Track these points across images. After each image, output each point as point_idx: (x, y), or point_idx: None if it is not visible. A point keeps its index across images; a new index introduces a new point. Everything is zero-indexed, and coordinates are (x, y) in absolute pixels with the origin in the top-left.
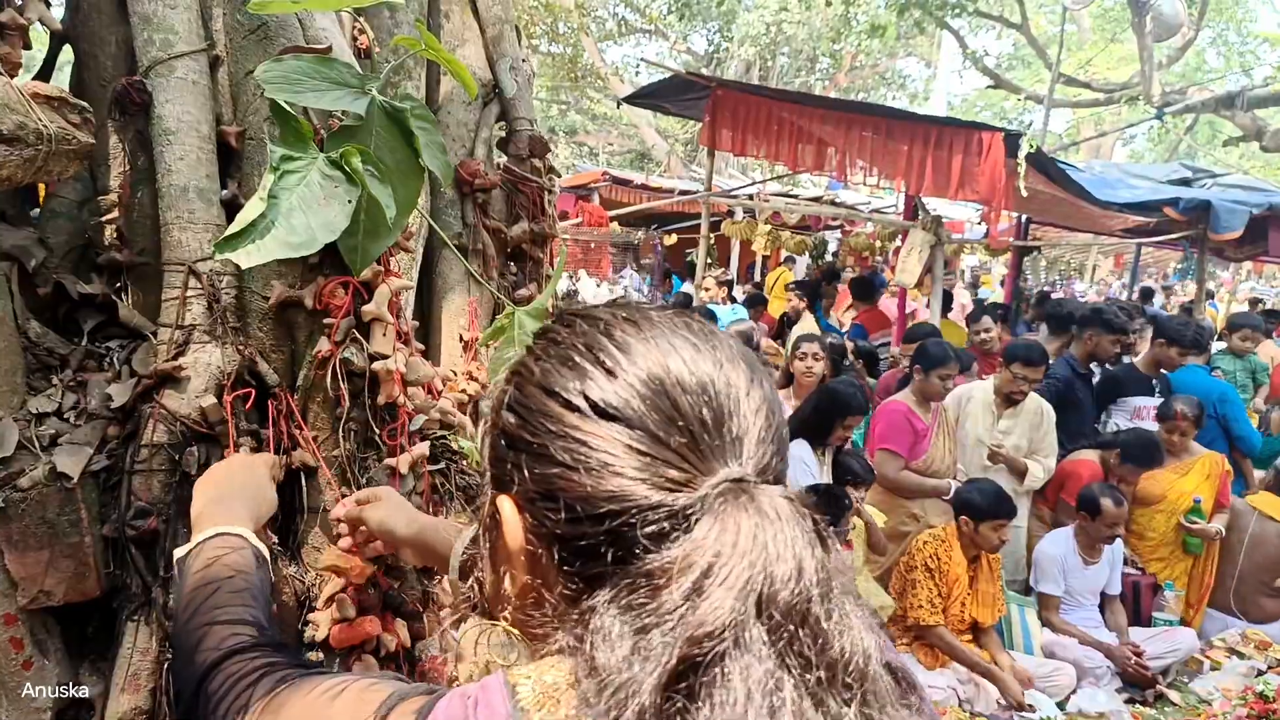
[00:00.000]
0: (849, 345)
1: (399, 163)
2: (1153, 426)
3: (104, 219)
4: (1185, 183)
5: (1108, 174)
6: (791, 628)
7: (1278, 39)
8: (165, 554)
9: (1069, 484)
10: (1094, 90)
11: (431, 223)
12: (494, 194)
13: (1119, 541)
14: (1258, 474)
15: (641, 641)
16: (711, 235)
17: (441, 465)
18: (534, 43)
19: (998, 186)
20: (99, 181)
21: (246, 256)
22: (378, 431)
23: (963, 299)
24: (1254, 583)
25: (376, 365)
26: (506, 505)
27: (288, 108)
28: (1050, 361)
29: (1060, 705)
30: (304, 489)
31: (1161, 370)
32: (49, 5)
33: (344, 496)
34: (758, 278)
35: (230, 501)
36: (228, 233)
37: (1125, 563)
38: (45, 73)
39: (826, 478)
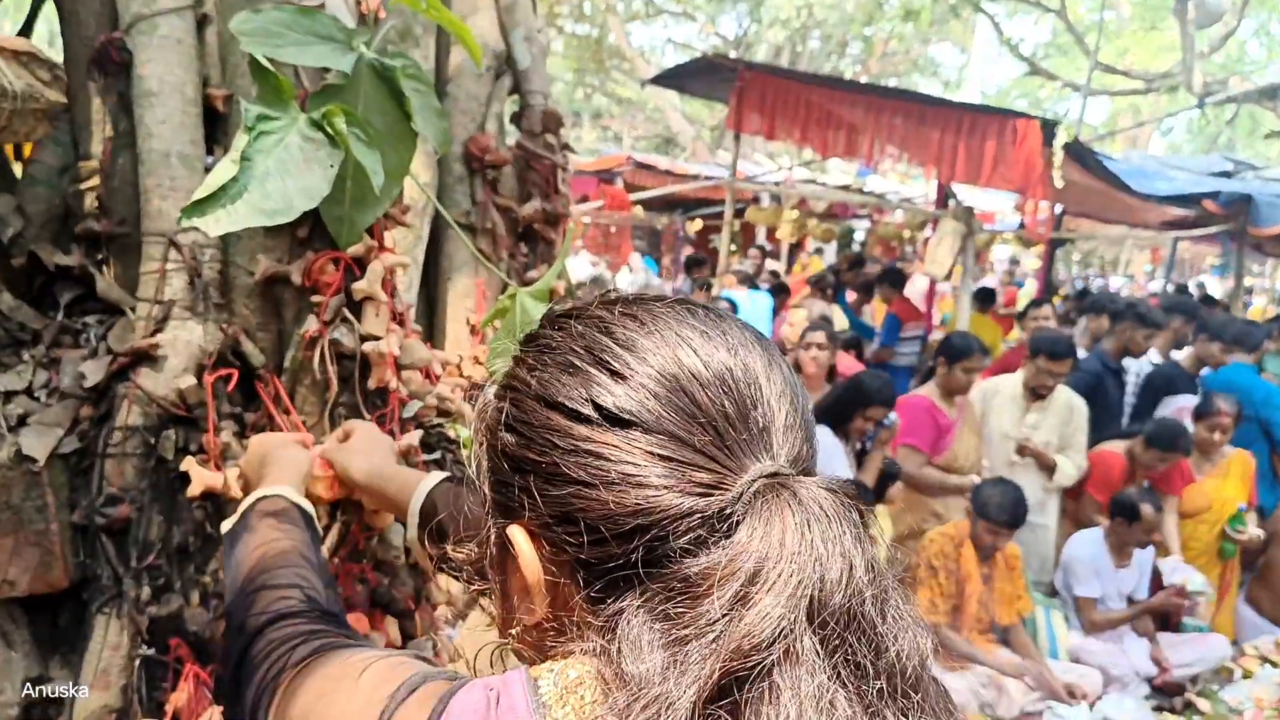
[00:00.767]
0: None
1: (389, 126)
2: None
3: (84, 186)
4: (1225, 175)
5: (1146, 165)
6: (846, 634)
7: None
8: (139, 543)
9: (1094, 474)
10: (1133, 79)
11: (432, 198)
12: (505, 171)
13: (1150, 547)
14: None
15: (679, 653)
16: (736, 221)
17: (437, 455)
18: (559, 23)
19: (1032, 175)
20: (81, 147)
21: (215, 223)
22: (369, 417)
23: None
24: None
25: (367, 347)
26: (519, 535)
27: (265, 63)
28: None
29: (1089, 707)
30: None
31: (1204, 367)
32: None
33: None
34: (782, 266)
35: (270, 467)
36: (195, 197)
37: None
38: (26, 31)
39: (850, 466)
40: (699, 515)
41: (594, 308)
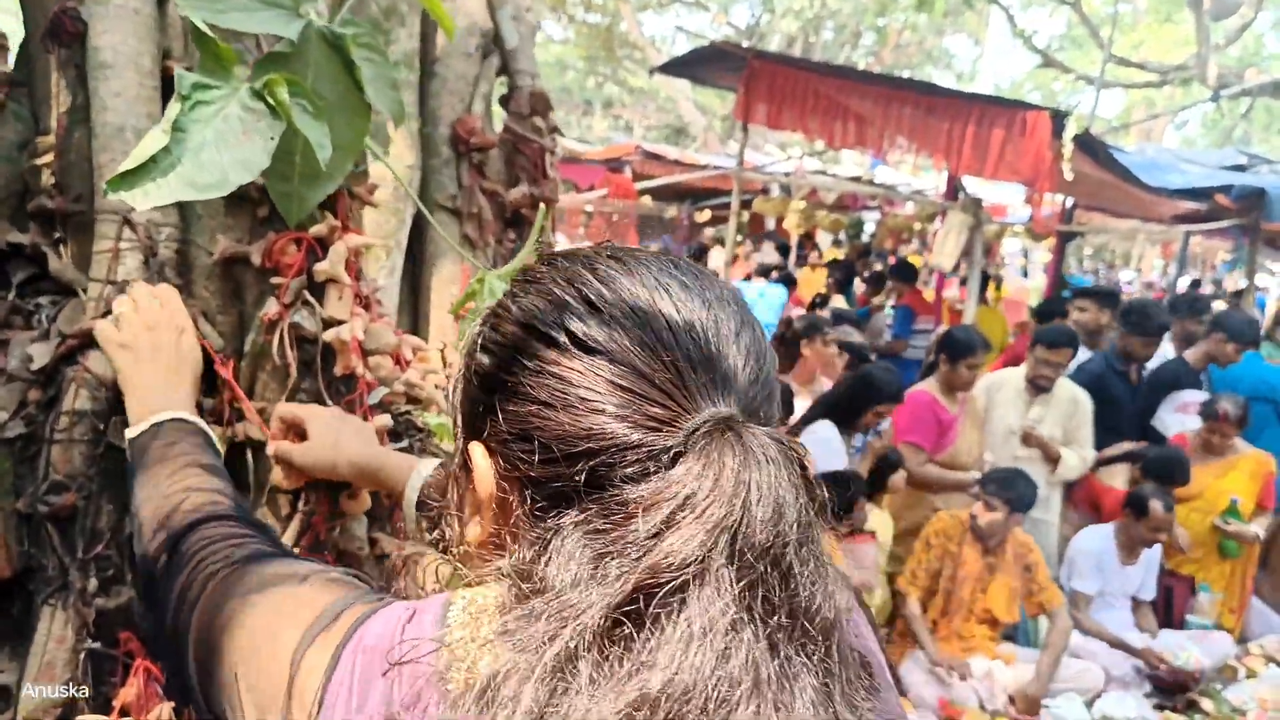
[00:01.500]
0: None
1: (339, 97)
2: (1196, 422)
3: (40, 162)
4: (1240, 169)
5: (1158, 158)
6: (763, 572)
7: None
8: (86, 533)
9: (1094, 499)
10: (1147, 71)
11: (404, 182)
12: (492, 154)
13: (1158, 546)
14: None
15: (600, 567)
16: (744, 212)
17: (405, 444)
18: (570, 11)
19: (1042, 168)
20: (40, 121)
21: (144, 196)
22: (332, 404)
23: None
24: None
25: (328, 334)
26: (478, 451)
27: (205, 29)
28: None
29: (1087, 705)
30: (252, 464)
31: (1212, 362)
32: None
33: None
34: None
35: (171, 377)
36: (121, 168)
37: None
38: None
39: (847, 461)
40: (645, 448)
41: (585, 249)
